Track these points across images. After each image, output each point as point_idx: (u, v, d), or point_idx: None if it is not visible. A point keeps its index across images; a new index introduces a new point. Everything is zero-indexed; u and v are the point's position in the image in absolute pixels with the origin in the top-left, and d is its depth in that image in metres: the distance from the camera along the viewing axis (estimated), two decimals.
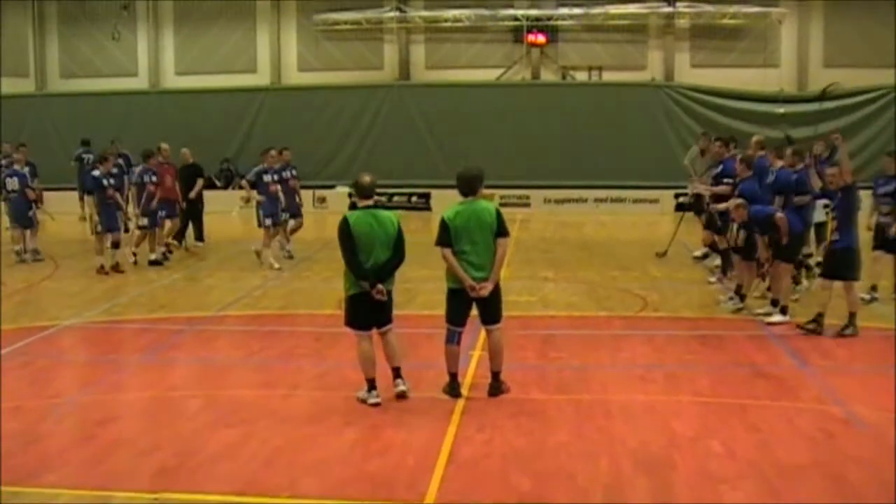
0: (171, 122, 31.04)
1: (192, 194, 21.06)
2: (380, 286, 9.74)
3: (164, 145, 20.58)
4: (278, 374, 11.25)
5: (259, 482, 7.78)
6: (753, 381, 10.77)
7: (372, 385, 9.80)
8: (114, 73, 35.01)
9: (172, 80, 35.20)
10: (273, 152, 19.44)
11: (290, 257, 19.90)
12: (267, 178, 19.00)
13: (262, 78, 34.59)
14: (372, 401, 9.74)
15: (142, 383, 11.02)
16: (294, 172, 20.31)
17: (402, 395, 9.93)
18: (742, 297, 14.53)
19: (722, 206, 15.19)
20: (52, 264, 19.84)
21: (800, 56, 32.12)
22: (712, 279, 16.96)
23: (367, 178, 10.00)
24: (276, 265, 18.70)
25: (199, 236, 21.79)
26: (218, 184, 32.06)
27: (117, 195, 18.68)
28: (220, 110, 32.99)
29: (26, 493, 7.44)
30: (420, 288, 15.90)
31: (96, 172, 18.49)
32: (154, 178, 19.34)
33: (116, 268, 18.37)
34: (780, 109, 28.97)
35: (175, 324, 14.20)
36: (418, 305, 15.04)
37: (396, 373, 9.99)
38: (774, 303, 13.80)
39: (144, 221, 19.25)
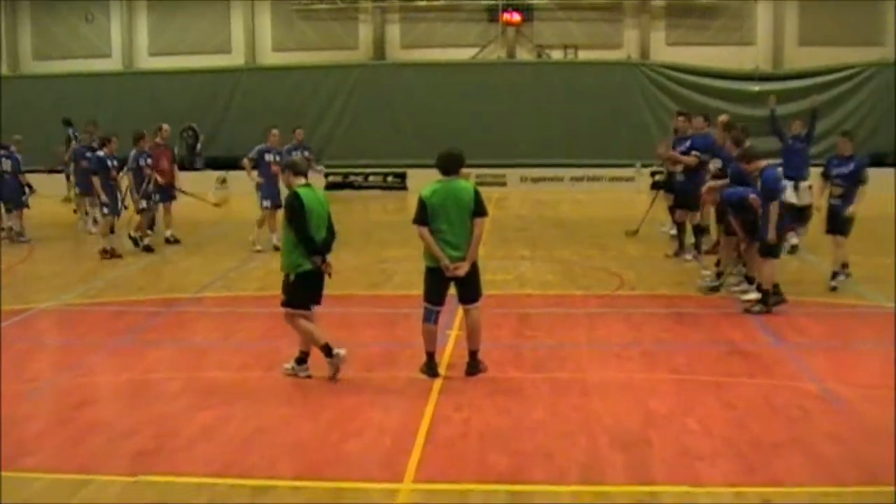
0: (145, 102, 30.85)
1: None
2: (329, 261, 9.96)
3: (166, 126, 20.24)
4: (255, 356, 11.24)
5: (237, 463, 7.78)
6: (729, 359, 10.83)
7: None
8: (87, 55, 34.74)
9: (146, 61, 34.97)
10: (275, 131, 18.54)
11: None
12: (269, 157, 18.14)
13: (236, 58, 34.40)
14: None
15: (119, 366, 10.96)
16: (307, 153, 19.25)
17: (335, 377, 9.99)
18: (719, 274, 14.57)
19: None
20: (28, 247, 19.76)
21: (775, 34, 32.20)
22: (688, 256, 17.00)
23: (299, 156, 10.16)
24: (258, 246, 18.32)
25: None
26: (186, 164, 31.56)
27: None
28: (195, 91, 32.78)
29: (4, 477, 7.41)
30: (397, 268, 15.91)
31: (101, 153, 18.34)
32: (149, 161, 18.87)
33: (113, 252, 18.10)
34: (756, 87, 29.03)
35: (152, 306, 14.15)
36: (395, 285, 15.07)
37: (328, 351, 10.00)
38: (750, 280, 13.83)
39: (144, 204, 18.83)
